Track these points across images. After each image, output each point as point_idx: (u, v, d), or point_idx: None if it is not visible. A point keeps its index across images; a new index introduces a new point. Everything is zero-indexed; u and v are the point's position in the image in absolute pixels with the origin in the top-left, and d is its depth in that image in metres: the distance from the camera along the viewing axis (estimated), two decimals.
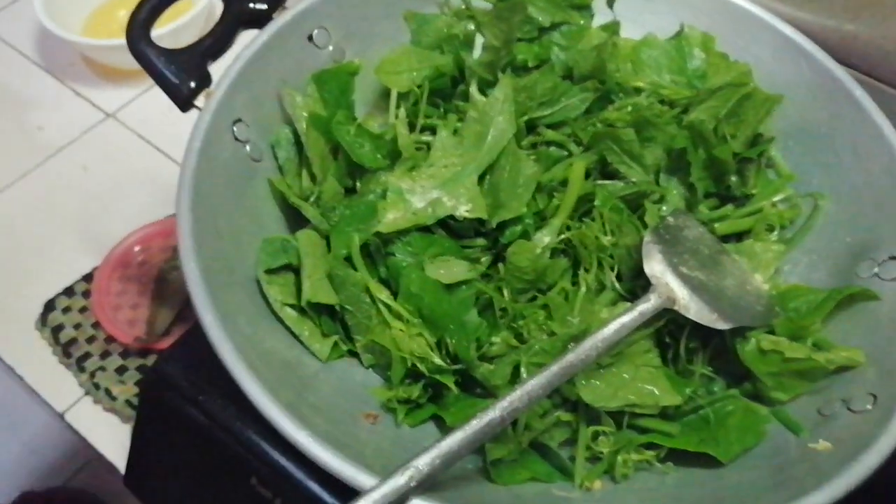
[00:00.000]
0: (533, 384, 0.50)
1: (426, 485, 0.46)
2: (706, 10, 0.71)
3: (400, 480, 0.45)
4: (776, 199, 0.66)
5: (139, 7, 0.63)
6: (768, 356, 0.57)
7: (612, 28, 0.71)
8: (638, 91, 0.68)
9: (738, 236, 0.66)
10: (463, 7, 0.72)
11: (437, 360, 0.57)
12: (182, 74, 0.61)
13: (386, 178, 0.63)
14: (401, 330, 0.58)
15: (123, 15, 1.05)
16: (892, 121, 0.64)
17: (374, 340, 0.58)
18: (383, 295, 0.58)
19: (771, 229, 0.65)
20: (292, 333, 0.59)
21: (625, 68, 0.69)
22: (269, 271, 0.59)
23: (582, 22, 0.73)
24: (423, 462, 0.46)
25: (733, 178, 0.65)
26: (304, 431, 0.48)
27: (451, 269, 0.60)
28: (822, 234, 0.65)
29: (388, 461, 0.50)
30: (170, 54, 0.62)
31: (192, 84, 0.61)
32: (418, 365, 0.57)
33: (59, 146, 0.99)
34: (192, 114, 0.61)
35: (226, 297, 0.54)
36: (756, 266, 0.64)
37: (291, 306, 0.59)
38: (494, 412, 0.48)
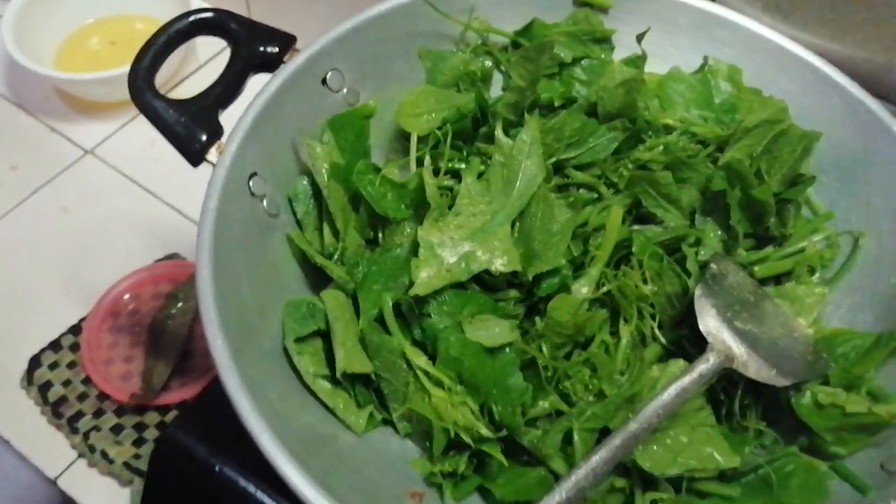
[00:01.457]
0: (596, 460, 0.47)
1: None
2: (730, 43, 0.69)
3: None
4: (817, 238, 0.64)
5: (141, 55, 0.59)
6: (826, 410, 0.55)
7: (638, 62, 0.68)
8: (668, 129, 0.66)
9: (777, 279, 0.64)
10: (480, 43, 0.69)
11: (483, 430, 0.53)
12: (192, 127, 0.57)
13: (412, 230, 0.59)
14: (442, 398, 0.54)
15: (96, 42, 1.00)
16: None
17: (412, 409, 0.55)
18: (421, 361, 0.55)
19: (812, 271, 0.63)
20: (325, 406, 0.55)
21: (652, 104, 0.67)
22: (298, 339, 0.55)
23: (603, 56, 0.70)
24: None
25: (773, 220, 0.63)
26: None
27: (491, 329, 0.56)
28: (865, 274, 0.63)
29: None
30: (178, 105, 0.58)
31: (204, 137, 0.57)
32: (462, 435, 0.53)
33: (36, 186, 0.94)
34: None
35: (254, 373, 0.50)
36: (798, 310, 0.61)
37: (324, 377, 0.55)
38: (561, 495, 0.45)
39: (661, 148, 0.64)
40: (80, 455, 0.77)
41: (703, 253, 0.62)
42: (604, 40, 0.70)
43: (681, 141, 0.64)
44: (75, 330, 0.84)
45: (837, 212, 0.66)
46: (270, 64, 0.61)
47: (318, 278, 0.60)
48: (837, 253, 0.65)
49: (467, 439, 0.54)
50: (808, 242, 0.64)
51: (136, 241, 0.90)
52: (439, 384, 0.55)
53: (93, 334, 0.82)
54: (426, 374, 0.55)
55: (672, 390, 0.50)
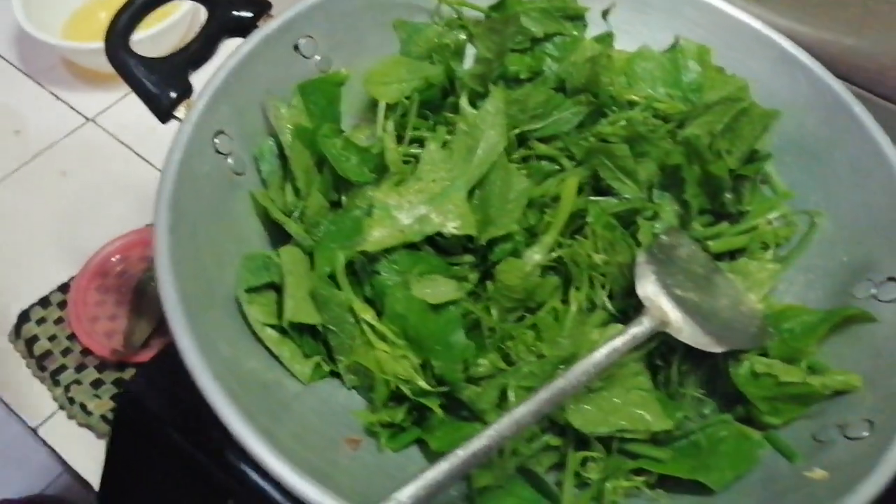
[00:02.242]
0: (521, 411, 0.48)
1: None
2: (702, 23, 0.70)
3: None
4: (772, 216, 0.65)
5: (119, 14, 0.61)
6: (762, 380, 0.56)
7: (607, 40, 0.69)
8: (632, 105, 0.67)
9: (732, 255, 0.65)
10: (454, 17, 0.71)
11: (422, 383, 0.55)
12: (162, 84, 0.59)
13: (372, 193, 0.61)
14: (385, 351, 0.56)
15: (104, 17, 1.03)
16: (891, 137, 0.62)
17: (357, 362, 0.56)
18: (368, 315, 0.57)
19: (766, 248, 0.64)
20: (273, 355, 0.57)
21: (619, 81, 0.68)
22: (250, 290, 0.57)
23: (575, 33, 0.71)
24: (406, 494, 0.44)
25: (728, 195, 0.64)
26: (282, 461, 0.46)
27: (437, 288, 0.58)
28: (819, 252, 0.64)
29: (369, 490, 0.48)
30: (150, 63, 0.60)
31: (173, 94, 0.59)
32: (402, 388, 0.55)
33: (37, 151, 0.97)
34: (173, 120, 0.60)
35: (205, 319, 0.52)
36: (750, 285, 0.62)
37: (272, 327, 0.57)
38: (481, 441, 0.47)
39: (622, 122, 0.65)
40: (61, 407, 0.80)
41: (658, 226, 0.63)
42: (577, 17, 0.71)
43: (643, 116, 0.65)
44: (64, 288, 0.86)
45: (798, 191, 0.66)
46: (244, 28, 0.63)
47: (279, 236, 0.62)
48: (794, 231, 0.65)
49: (406, 391, 0.55)
50: (763, 220, 0.64)
51: (129, 206, 0.93)
52: (383, 338, 0.56)
53: (80, 293, 0.85)
54: (372, 328, 0.57)
55: (603, 350, 0.51)
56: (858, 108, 0.63)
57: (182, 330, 0.49)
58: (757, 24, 0.68)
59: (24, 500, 1.43)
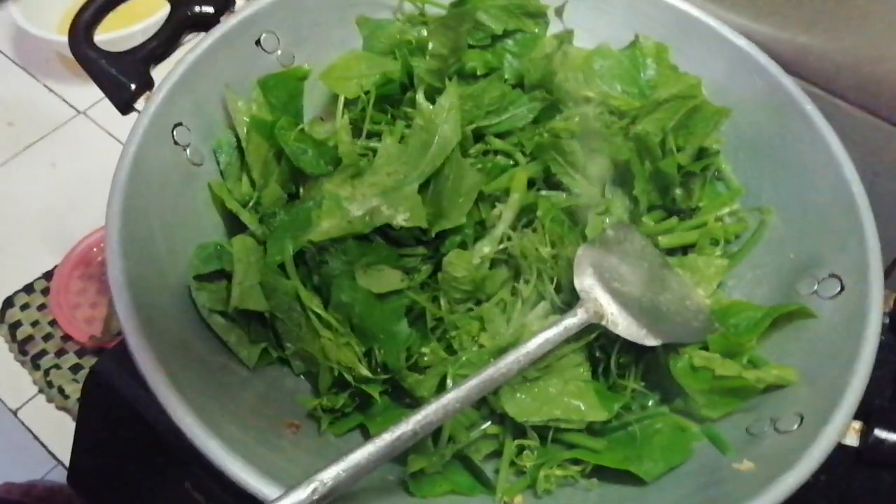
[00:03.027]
0: (449, 398, 0.49)
1: (331, 498, 0.45)
2: (661, 21, 0.70)
3: (302, 494, 0.44)
4: (722, 212, 0.65)
5: (83, 8, 0.63)
6: (699, 373, 0.56)
7: (564, 37, 0.70)
8: (587, 101, 0.67)
9: (684, 250, 0.66)
10: (417, 13, 0.72)
11: (364, 371, 0.56)
12: (123, 77, 0.61)
13: (326, 186, 0.62)
14: (329, 339, 0.57)
15: None
16: (844, 135, 0.63)
17: (303, 348, 0.58)
18: (313, 304, 0.58)
19: (716, 243, 0.64)
20: (220, 340, 0.58)
21: (575, 78, 0.69)
22: (201, 277, 0.59)
23: (536, 30, 0.72)
24: (328, 475, 0.45)
25: (678, 192, 0.65)
26: (215, 440, 0.47)
27: (382, 278, 0.59)
28: (769, 249, 0.65)
29: (304, 473, 0.49)
30: (112, 57, 0.62)
31: (133, 87, 0.61)
32: (345, 374, 0.57)
33: (29, 142, 1.00)
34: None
35: (153, 303, 0.54)
36: (699, 280, 0.63)
37: (221, 313, 0.58)
38: (407, 426, 0.48)
39: (576, 118, 0.66)
40: (40, 391, 0.83)
41: (608, 221, 0.64)
42: (538, 15, 0.72)
43: (596, 112, 0.66)
44: (48, 276, 0.89)
45: (750, 188, 0.67)
46: (206, 23, 0.65)
47: (236, 227, 0.64)
48: (745, 228, 0.66)
49: (349, 377, 0.57)
50: (713, 216, 0.65)
51: None
52: (329, 326, 0.58)
53: (63, 280, 0.87)
54: (318, 316, 0.58)
55: (536, 340, 0.53)
56: (810, 107, 0.63)
57: (127, 312, 0.51)
58: (714, 23, 0.68)
59: (26, 486, 1.46)
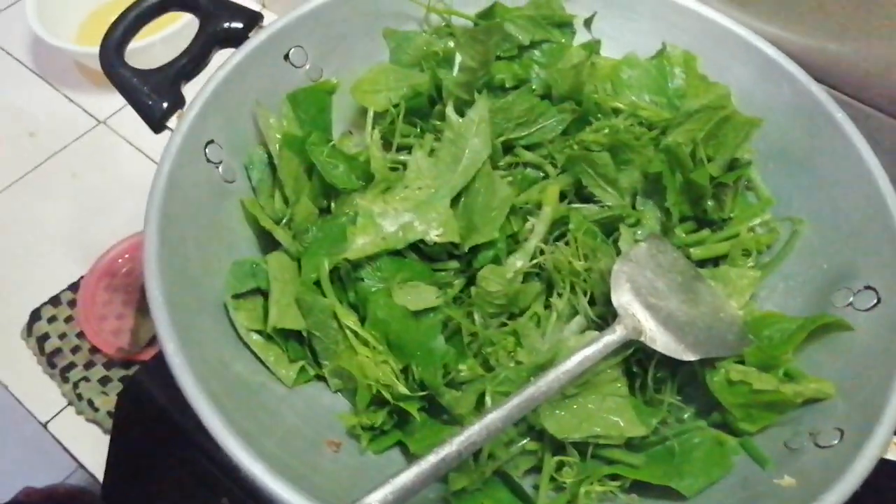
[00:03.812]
0: (492, 417, 0.49)
1: None
2: (688, 29, 0.70)
3: None
4: (754, 223, 0.65)
5: (113, 27, 0.63)
6: (736, 387, 0.57)
7: (592, 47, 0.70)
8: (616, 112, 0.67)
9: (715, 261, 0.66)
10: (443, 25, 0.72)
11: (402, 388, 0.57)
12: (154, 95, 0.61)
13: (358, 201, 0.62)
14: (367, 356, 0.57)
15: None
16: (875, 144, 0.63)
17: (340, 366, 0.58)
18: (350, 321, 0.58)
19: (747, 254, 0.64)
20: (258, 359, 0.58)
21: (604, 88, 0.69)
22: (237, 296, 0.59)
23: (563, 40, 0.72)
24: (375, 498, 0.45)
25: (709, 203, 0.64)
26: (259, 462, 0.47)
27: (418, 295, 0.59)
28: (801, 259, 0.64)
29: (346, 493, 0.50)
30: (143, 75, 0.62)
31: (165, 105, 0.61)
32: (383, 392, 0.57)
33: (51, 153, 1.00)
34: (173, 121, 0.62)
35: (192, 323, 0.54)
36: (731, 292, 0.63)
37: (258, 332, 0.59)
38: (451, 447, 0.48)
39: (605, 130, 0.66)
40: (70, 403, 0.83)
41: (640, 233, 0.64)
42: (565, 25, 0.72)
43: (626, 124, 0.66)
44: (74, 287, 0.89)
45: (780, 198, 0.67)
46: (236, 39, 0.65)
47: (269, 243, 0.64)
48: (776, 238, 0.66)
49: (387, 395, 0.57)
50: (745, 227, 0.65)
51: (137, 207, 0.92)
52: (366, 344, 0.58)
53: (89, 291, 0.87)
54: (354, 333, 0.58)
55: (576, 358, 0.53)
56: (840, 116, 0.63)
57: (167, 334, 0.51)
58: (742, 31, 0.68)
59: (47, 489, 1.47)
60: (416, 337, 0.58)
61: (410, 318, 0.58)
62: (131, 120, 1.02)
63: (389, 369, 0.57)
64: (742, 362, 0.58)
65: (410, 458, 0.58)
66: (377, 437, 0.58)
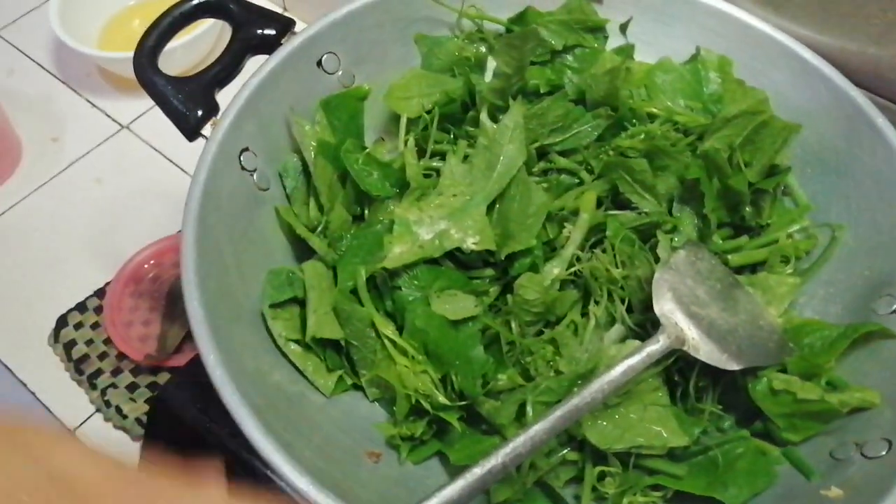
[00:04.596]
0: (537, 429, 0.49)
1: None
2: (723, 34, 0.69)
3: None
4: (792, 229, 0.65)
5: (147, 35, 0.63)
6: (780, 396, 0.56)
7: (626, 52, 0.70)
8: (652, 118, 0.67)
9: (753, 268, 0.65)
10: (475, 30, 0.71)
11: (442, 398, 0.56)
12: (189, 103, 0.61)
13: (393, 209, 0.62)
14: (405, 366, 0.57)
15: (138, 24, 1.06)
16: None
17: (378, 375, 0.58)
18: (388, 330, 0.58)
19: (786, 261, 0.64)
20: (297, 369, 0.58)
21: (638, 94, 0.68)
22: (274, 305, 0.59)
23: (596, 45, 0.71)
24: None
25: (748, 209, 0.64)
26: (302, 474, 0.47)
27: (457, 304, 0.59)
28: (840, 266, 0.64)
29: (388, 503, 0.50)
30: (177, 83, 0.61)
31: (200, 113, 0.61)
32: (422, 402, 0.56)
33: (74, 158, 1.00)
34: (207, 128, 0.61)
35: (230, 333, 0.54)
36: (770, 299, 0.62)
37: (296, 341, 0.58)
38: (497, 459, 0.48)
39: (641, 136, 0.65)
40: (98, 410, 0.82)
41: (677, 240, 0.63)
42: (598, 29, 0.72)
43: (662, 130, 0.65)
44: (100, 293, 0.89)
45: (818, 203, 0.66)
46: (268, 46, 0.65)
47: (303, 250, 0.64)
48: (814, 244, 0.65)
49: (426, 405, 0.56)
50: (783, 233, 0.64)
51: (162, 212, 0.95)
52: (404, 353, 0.58)
53: (115, 298, 0.87)
54: (392, 343, 0.58)
55: (619, 368, 0.52)
56: (881, 120, 0.63)
57: (207, 345, 0.51)
58: (779, 35, 0.68)
59: None
60: (455, 346, 0.57)
61: (449, 327, 0.58)
62: (154, 124, 1.03)
63: (428, 379, 0.57)
64: (784, 371, 0.58)
65: (450, 468, 0.57)
66: (416, 447, 0.58)
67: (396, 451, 0.57)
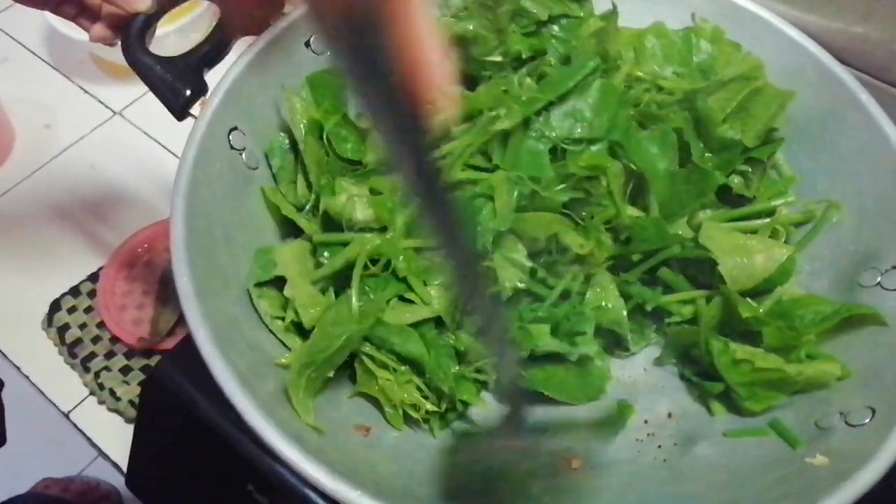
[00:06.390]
0: None
1: None
2: (709, 11, 0.70)
3: None
4: (777, 202, 0.65)
5: (135, 15, 0.63)
6: (740, 366, 0.57)
7: (611, 17, 0.69)
8: (639, 81, 0.67)
9: None
10: (462, 7, 0.71)
11: (429, 406, 0.57)
12: (178, 83, 0.61)
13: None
14: (388, 379, 0.57)
15: None
16: None
17: (362, 392, 0.58)
18: (366, 347, 0.58)
19: (775, 235, 0.64)
20: (284, 344, 0.58)
21: (627, 56, 0.68)
22: (260, 284, 0.59)
23: (581, 14, 0.71)
24: None
25: (736, 180, 0.64)
26: (295, 449, 0.47)
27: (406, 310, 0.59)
28: (827, 241, 0.64)
29: (380, 477, 0.50)
30: (166, 62, 0.62)
31: (188, 92, 0.61)
32: (409, 412, 0.57)
33: (67, 144, 1.00)
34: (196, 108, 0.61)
35: (219, 309, 0.54)
36: None
37: (282, 318, 0.59)
38: None
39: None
40: (91, 393, 0.83)
41: None
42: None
43: (647, 95, 0.65)
44: (94, 277, 0.89)
45: (804, 178, 0.67)
46: (257, 27, 0.65)
47: (292, 229, 0.64)
48: (804, 219, 0.65)
49: (415, 416, 0.57)
50: (768, 206, 0.64)
51: (154, 197, 0.95)
52: (385, 367, 0.57)
53: (108, 282, 0.87)
54: (371, 358, 0.58)
55: None
56: (865, 96, 0.63)
57: (197, 321, 0.51)
58: (764, 13, 0.68)
59: (64, 479, 1.48)
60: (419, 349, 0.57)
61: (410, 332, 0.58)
62: (147, 110, 1.03)
63: (414, 388, 0.57)
64: (760, 342, 0.58)
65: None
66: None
67: (385, 421, 0.58)
